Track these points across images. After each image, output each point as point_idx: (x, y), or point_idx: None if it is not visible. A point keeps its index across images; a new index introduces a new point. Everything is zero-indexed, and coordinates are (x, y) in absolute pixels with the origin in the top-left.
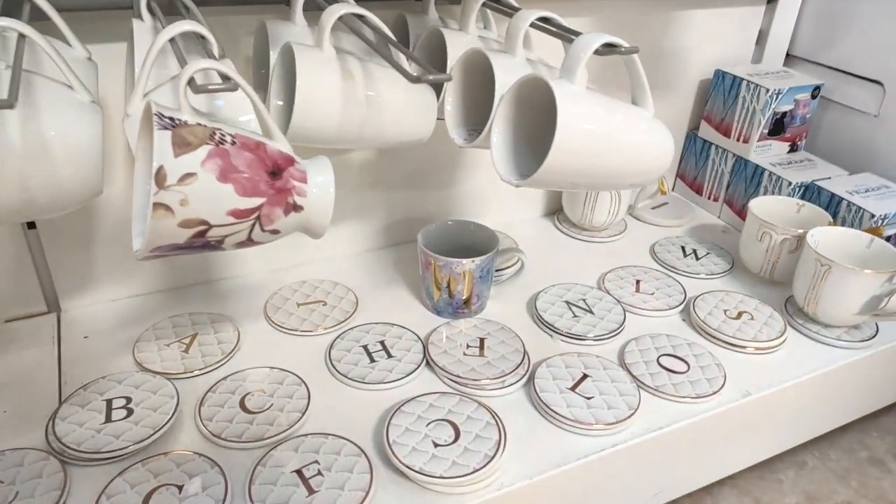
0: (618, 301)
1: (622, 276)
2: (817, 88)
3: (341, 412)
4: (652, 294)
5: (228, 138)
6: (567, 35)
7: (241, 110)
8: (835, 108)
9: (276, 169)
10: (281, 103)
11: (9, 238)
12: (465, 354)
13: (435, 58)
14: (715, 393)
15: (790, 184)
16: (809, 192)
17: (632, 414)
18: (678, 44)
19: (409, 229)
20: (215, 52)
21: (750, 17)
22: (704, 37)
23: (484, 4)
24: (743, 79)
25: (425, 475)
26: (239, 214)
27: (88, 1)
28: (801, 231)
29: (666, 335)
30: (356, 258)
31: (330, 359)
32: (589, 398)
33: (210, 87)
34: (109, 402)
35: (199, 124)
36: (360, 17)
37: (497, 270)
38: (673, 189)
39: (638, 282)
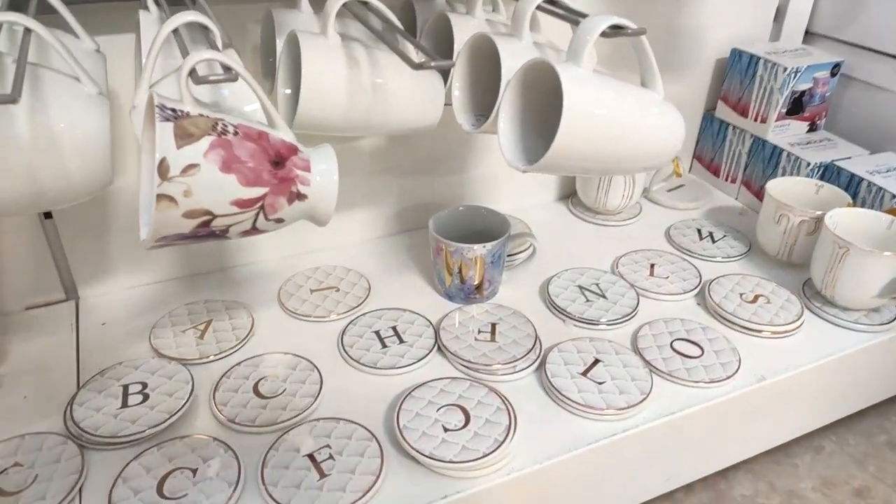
0: (631, 285)
1: (636, 259)
2: (837, 66)
3: (353, 397)
4: (666, 278)
5: (231, 128)
6: (573, 17)
7: (246, 100)
8: (856, 85)
9: (279, 158)
10: (289, 91)
11: (26, 228)
12: (476, 340)
13: (442, 43)
14: (729, 378)
15: (809, 164)
16: (829, 173)
17: (643, 399)
18: (693, 22)
19: (421, 215)
20: (219, 42)
21: None
22: (720, 14)
23: None
24: (760, 57)
25: (435, 459)
26: (242, 204)
27: None
28: (819, 213)
29: (680, 319)
30: (368, 244)
31: (342, 344)
32: (601, 383)
33: (211, 77)
34: (126, 387)
35: (202, 115)
36: (365, 3)
37: (509, 255)
38: (690, 171)
39: (652, 265)
